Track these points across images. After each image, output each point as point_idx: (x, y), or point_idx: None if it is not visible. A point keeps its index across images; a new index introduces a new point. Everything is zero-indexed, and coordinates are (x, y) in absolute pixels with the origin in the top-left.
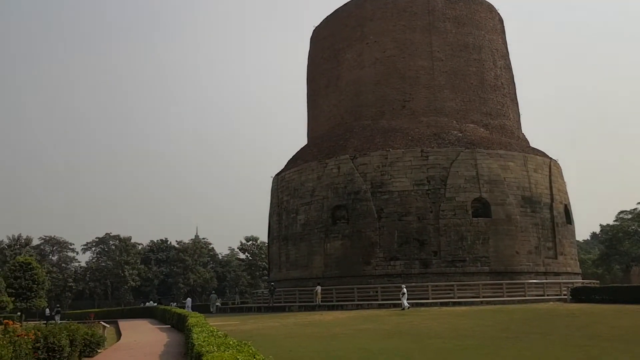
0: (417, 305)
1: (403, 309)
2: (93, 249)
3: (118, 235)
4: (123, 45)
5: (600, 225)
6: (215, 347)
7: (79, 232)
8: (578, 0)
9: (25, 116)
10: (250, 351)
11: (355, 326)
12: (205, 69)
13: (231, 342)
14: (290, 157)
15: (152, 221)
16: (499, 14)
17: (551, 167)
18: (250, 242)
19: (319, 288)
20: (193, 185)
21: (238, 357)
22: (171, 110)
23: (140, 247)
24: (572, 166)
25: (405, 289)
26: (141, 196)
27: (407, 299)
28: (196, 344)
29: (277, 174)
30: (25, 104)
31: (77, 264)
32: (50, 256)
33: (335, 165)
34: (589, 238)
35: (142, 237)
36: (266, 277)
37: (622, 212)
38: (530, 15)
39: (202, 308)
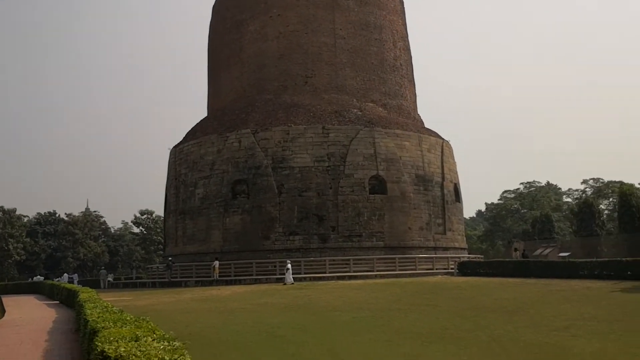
0: (315, 279)
1: (285, 284)
2: None
3: (2, 207)
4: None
5: (486, 203)
6: (111, 323)
7: None
8: None
9: None
10: (150, 327)
11: (253, 300)
12: (101, 33)
13: (128, 318)
14: (189, 129)
15: (39, 192)
16: None
17: (443, 148)
18: (145, 215)
19: (216, 263)
20: (84, 156)
21: (137, 332)
22: (66, 72)
23: (26, 219)
24: (462, 147)
25: (289, 265)
26: (27, 165)
27: (299, 274)
28: (90, 320)
29: (175, 146)
30: None
31: None
32: None
33: (237, 139)
34: (474, 215)
35: (28, 209)
36: (161, 252)
37: (506, 191)
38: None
39: (93, 283)
